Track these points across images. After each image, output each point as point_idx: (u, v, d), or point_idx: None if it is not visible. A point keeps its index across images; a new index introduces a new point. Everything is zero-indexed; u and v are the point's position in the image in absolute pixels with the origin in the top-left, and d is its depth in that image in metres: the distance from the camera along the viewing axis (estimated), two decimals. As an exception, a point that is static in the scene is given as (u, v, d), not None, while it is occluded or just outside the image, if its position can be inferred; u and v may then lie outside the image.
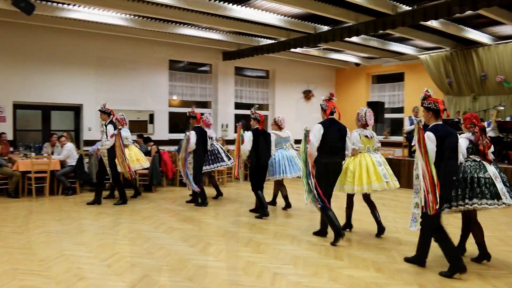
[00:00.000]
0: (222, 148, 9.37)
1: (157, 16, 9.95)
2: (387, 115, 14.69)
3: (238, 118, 14.78)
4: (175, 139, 12.65)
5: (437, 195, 4.43)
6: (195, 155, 8.31)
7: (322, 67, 16.27)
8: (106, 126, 8.25)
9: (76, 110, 12.11)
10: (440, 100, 4.90)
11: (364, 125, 6.43)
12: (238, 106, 14.75)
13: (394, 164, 6.55)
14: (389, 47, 12.68)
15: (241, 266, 4.90)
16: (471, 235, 5.28)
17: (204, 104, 14.22)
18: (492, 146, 5.10)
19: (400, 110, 14.94)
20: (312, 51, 13.87)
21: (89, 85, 11.80)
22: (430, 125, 4.85)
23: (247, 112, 14.89)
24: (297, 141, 7.26)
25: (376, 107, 12.39)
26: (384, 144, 13.33)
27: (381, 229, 6.32)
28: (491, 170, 4.94)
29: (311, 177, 5.78)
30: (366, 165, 6.12)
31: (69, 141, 9.68)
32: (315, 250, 5.56)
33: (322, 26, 10.81)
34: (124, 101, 12.00)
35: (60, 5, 9.60)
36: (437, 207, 4.46)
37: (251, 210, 7.90)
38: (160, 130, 12.90)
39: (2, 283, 4.30)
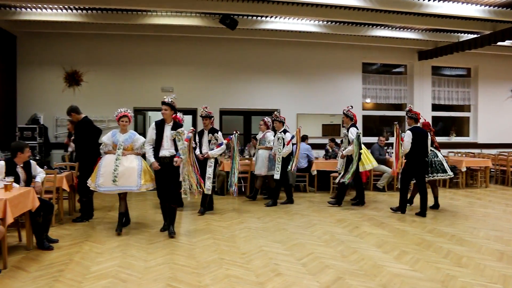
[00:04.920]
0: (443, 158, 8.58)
1: (349, 20, 9.99)
2: None
3: (436, 120, 13.93)
4: (368, 142, 12.49)
5: (398, 165, 7.97)
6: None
7: (537, 60, 14.26)
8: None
9: (274, 115, 12.88)
10: (418, 112, 7.99)
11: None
12: (435, 107, 13.86)
13: None
14: None
15: (439, 278, 4.56)
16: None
17: (399, 107, 13.74)
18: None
19: None
20: (525, 42, 12.29)
21: (285, 91, 12.47)
22: (411, 127, 7.86)
23: (446, 114, 14.03)
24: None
25: None
26: None
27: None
28: (440, 156, 8.24)
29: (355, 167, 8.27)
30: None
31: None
32: (531, 270, 4.88)
33: (538, 13, 9.50)
34: (317, 105, 12.38)
35: (259, 18, 10.40)
36: (398, 171, 8.03)
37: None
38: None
39: (211, 270, 4.79)
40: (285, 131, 8.77)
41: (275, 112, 9.13)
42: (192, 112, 12.19)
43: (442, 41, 12.04)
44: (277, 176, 8.63)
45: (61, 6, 9.54)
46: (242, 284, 4.37)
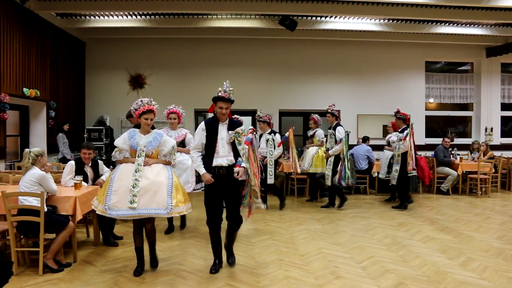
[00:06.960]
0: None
1: (412, 17, 9.71)
2: None
3: (506, 120, 13.24)
4: (432, 144, 12.10)
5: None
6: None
7: None
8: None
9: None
10: (406, 114, 8.66)
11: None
12: (505, 107, 13.16)
13: None
14: None
15: None
16: None
17: (465, 106, 13.17)
18: None
19: None
20: None
21: (346, 91, 12.32)
22: (402, 128, 8.41)
23: (517, 113, 13.30)
24: None
25: None
26: None
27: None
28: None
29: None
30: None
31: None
32: None
33: None
34: (378, 106, 12.10)
35: (318, 18, 10.32)
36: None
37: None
38: (416, 135, 12.49)
39: (270, 270, 4.80)
40: (274, 132, 8.33)
41: (258, 113, 8.57)
42: (252, 113, 12.30)
43: (513, 36, 11.45)
44: (270, 180, 8.11)
45: (126, 13, 9.95)
46: (301, 286, 4.35)
